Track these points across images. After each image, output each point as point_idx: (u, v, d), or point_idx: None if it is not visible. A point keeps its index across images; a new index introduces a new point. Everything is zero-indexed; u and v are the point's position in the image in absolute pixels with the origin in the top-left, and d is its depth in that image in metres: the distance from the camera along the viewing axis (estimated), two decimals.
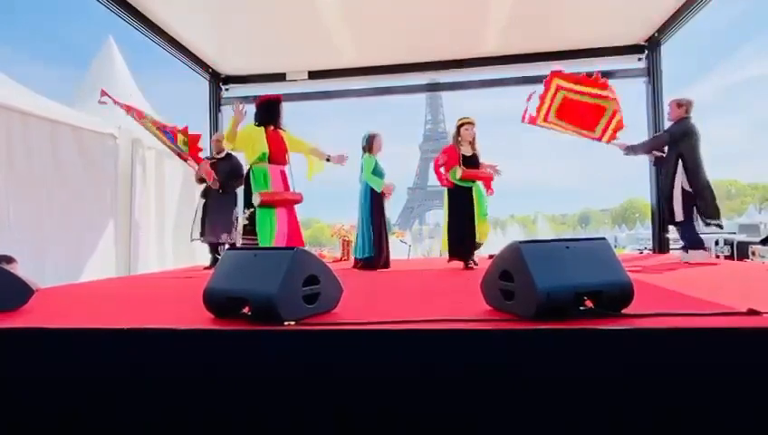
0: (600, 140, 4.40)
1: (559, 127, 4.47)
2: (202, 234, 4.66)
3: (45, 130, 4.02)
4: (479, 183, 4.27)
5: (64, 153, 4.22)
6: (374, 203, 4.34)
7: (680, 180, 4.11)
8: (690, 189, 4.05)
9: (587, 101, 4.27)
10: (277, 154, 3.69)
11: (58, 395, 1.54)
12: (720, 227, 4.24)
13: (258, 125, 3.74)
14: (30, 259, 3.60)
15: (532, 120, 4.47)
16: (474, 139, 4.28)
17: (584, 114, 4.35)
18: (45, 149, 4.03)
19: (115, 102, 4.27)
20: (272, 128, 3.74)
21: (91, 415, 1.52)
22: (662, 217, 4.45)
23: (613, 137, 4.33)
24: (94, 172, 4.54)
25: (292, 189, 3.82)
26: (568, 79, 4.40)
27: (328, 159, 4.06)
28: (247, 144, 3.69)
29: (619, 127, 4.28)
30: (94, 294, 2.78)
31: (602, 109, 4.25)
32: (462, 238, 4.14)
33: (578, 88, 4.33)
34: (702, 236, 4.46)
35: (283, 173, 3.76)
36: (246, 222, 3.70)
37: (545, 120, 4.42)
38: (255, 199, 3.56)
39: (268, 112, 3.77)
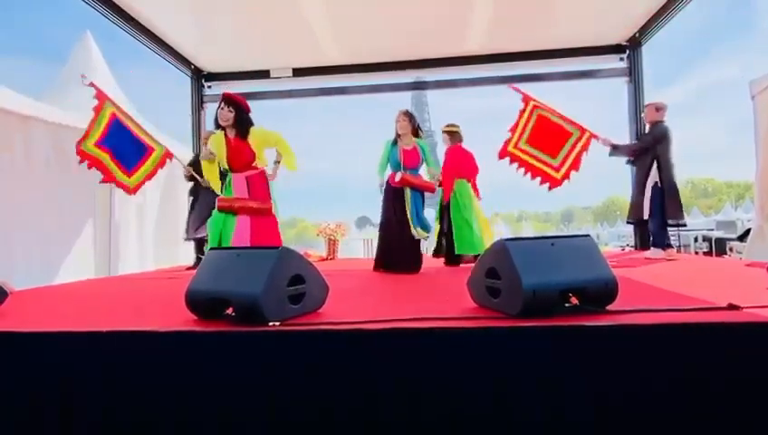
0: (554, 181, 4.20)
1: (526, 156, 4.25)
2: (187, 231, 4.63)
3: (17, 125, 3.87)
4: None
5: (38, 150, 4.08)
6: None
7: (653, 179, 4.23)
8: (661, 187, 4.18)
9: (557, 122, 4.22)
10: (236, 163, 3.42)
11: (34, 400, 1.48)
12: (684, 225, 4.38)
13: (217, 127, 3.46)
14: None
15: (504, 151, 4.26)
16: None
17: (552, 138, 4.23)
18: (17, 147, 3.88)
19: (97, 91, 3.98)
20: (233, 135, 3.43)
21: (65, 421, 1.47)
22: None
23: (573, 168, 4.18)
24: (71, 170, 4.41)
25: (272, 197, 3.52)
26: (540, 104, 4.37)
27: (276, 163, 3.64)
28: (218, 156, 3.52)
29: (584, 149, 4.15)
30: (71, 297, 2.70)
31: (568, 134, 4.20)
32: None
33: (549, 110, 4.29)
34: (682, 232, 4.55)
35: (249, 179, 3.45)
36: None
37: (516, 146, 4.25)
38: (216, 204, 3.47)
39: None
